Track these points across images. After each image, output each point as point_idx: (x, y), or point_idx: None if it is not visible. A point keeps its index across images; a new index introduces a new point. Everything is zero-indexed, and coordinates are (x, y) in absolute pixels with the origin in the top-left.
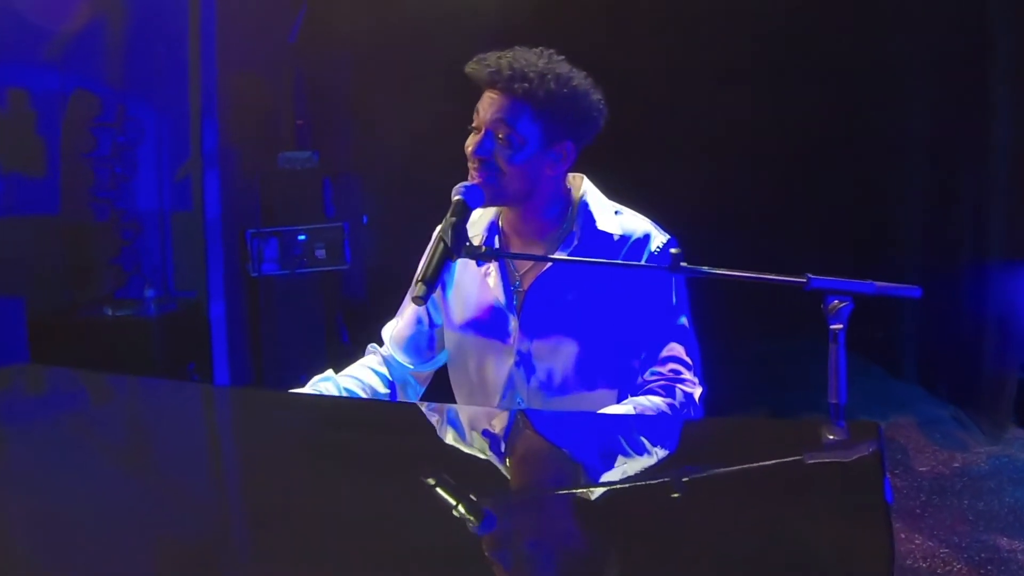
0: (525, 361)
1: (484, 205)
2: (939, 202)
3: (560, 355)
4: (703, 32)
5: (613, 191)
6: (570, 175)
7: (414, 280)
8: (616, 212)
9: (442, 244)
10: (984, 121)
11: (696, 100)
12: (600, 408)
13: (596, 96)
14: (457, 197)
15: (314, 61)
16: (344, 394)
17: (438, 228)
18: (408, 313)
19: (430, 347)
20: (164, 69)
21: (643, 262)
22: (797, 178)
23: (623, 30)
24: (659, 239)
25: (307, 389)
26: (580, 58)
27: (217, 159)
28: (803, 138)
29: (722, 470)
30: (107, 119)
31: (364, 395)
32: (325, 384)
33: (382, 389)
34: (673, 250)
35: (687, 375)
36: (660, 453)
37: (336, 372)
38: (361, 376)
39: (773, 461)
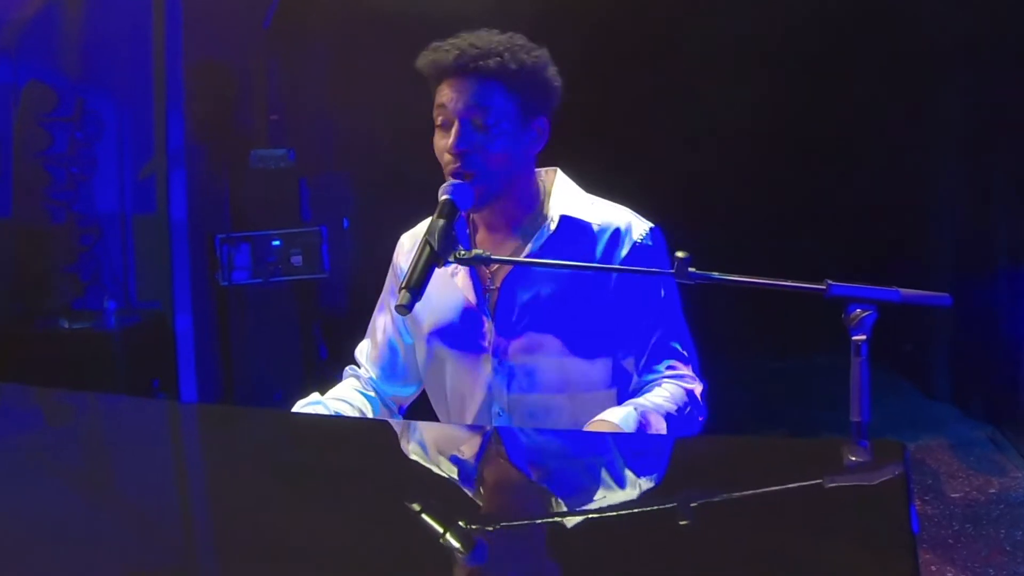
0: (504, 364)
1: (475, 206)
2: (973, 202)
3: (542, 356)
4: (717, 20)
5: (614, 191)
6: (543, 170)
7: (386, 297)
8: (592, 202)
9: (428, 248)
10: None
11: (705, 93)
12: (597, 412)
13: (553, 68)
14: (444, 197)
15: (290, 49)
16: None
17: (403, 237)
18: (379, 333)
19: (407, 369)
20: (126, 59)
21: (625, 253)
22: (817, 176)
23: (624, 16)
24: (641, 227)
25: None
26: (584, 42)
27: (183, 157)
28: (823, 132)
29: (732, 494)
30: (63, 113)
31: None
32: (315, 409)
33: (371, 414)
34: (680, 253)
35: (686, 370)
36: (666, 475)
37: (320, 393)
38: (352, 399)
39: (786, 485)
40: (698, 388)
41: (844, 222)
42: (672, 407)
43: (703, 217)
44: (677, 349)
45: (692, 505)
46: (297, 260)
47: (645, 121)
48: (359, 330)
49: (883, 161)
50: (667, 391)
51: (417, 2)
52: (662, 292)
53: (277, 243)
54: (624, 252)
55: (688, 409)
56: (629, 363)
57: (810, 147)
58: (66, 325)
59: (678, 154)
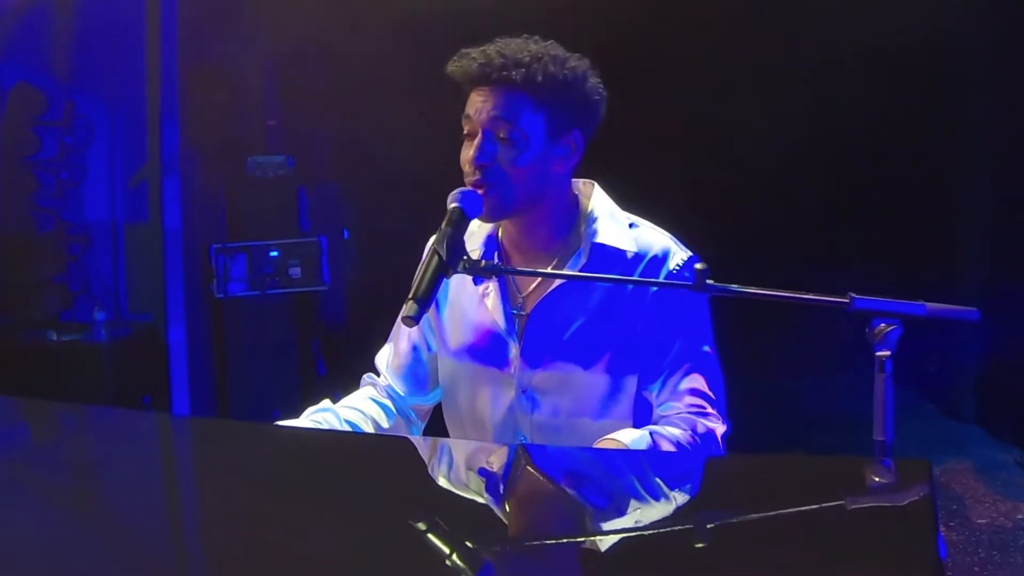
0: (527, 393)
1: (486, 218)
2: (1001, 212)
3: (567, 387)
4: (733, 25)
5: (627, 201)
6: (580, 182)
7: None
8: (631, 225)
9: (436, 258)
10: None
11: (724, 103)
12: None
13: (595, 79)
14: (453, 205)
15: (288, 53)
16: (346, 428)
17: (431, 240)
18: (403, 340)
19: (430, 377)
20: (118, 61)
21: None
22: (839, 185)
23: (643, 21)
24: (679, 256)
25: (303, 421)
26: (592, 48)
27: (177, 164)
28: (846, 140)
29: (752, 513)
30: (53, 117)
31: (367, 430)
32: (324, 416)
33: (385, 423)
34: (698, 265)
35: (710, 410)
36: (681, 495)
37: (332, 402)
38: (364, 408)
39: (808, 505)
40: (720, 429)
41: (869, 233)
42: (687, 439)
43: (723, 229)
44: (702, 389)
45: (711, 524)
46: (295, 272)
47: (663, 131)
48: (359, 345)
49: (912, 171)
50: (686, 424)
51: (420, 4)
52: (696, 324)
53: (275, 254)
54: (659, 280)
55: (705, 450)
56: (651, 395)
57: (834, 157)
58: (54, 337)
59: (697, 165)
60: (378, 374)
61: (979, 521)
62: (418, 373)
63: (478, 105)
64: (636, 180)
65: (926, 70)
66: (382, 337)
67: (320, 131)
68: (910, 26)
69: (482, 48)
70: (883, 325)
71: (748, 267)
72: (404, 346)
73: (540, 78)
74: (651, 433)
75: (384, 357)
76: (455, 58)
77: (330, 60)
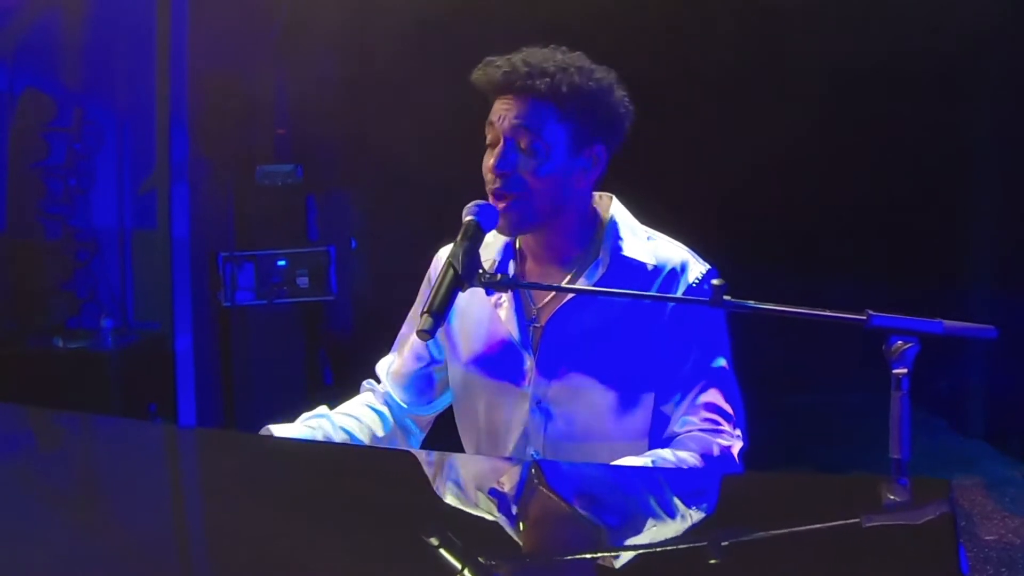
0: (542, 406)
1: (506, 231)
2: (1014, 227)
3: (583, 400)
4: (749, 38)
5: (642, 214)
6: (597, 194)
7: (419, 311)
8: (649, 238)
9: (451, 271)
10: None
11: (741, 117)
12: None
13: (621, 92)
14: (469, 218)
15: (299, 61)
16: (340, 434)
17: (440, 251)
18: (406, 349)
19: (432, 387)
20: (128, 68)
21: (678, 295)
22: (855, 201)
23: (664, 32)
24: (697, 269)
25: (297, 426)
26: (604, 58)
27: (186, 172)
28: (863, 155)
29: (767, 533)
30: (62, 123)
31: (362, 437)
32: (318, 422)
33: (380, 432)
34: (716, 281)
35: (725, 426)
36: (696, 513)
37: (330, 409)
38: (360, 415)
39: (825, 524)
40: (736, 446)
41: (884, 250)
42: (697, 463)
43: (738, 245)
44: (718, 404)
45: (727, 543)
46: (303, 281)
47: (678, 144)
48: (366, 355)
49: (928, 189)
50: (697, 445)
51: (430, 13)
52: (712, 338)
53: (282, 263)
54: (678, 294)
55: (719, 467)
56: (668, 408)
57: (851, 172)
58: (60, 344)
59: (714, 181)
60: (379, 381)
61: (987, 537)
62: (421, 383)
63: (501, 113)
64: (651, 193)
65: (942, 84)
66: (389, 348)
67: (329, 140)
68: (926, 40)
69: (507, 56)
70: (900, 343)
71: (762, 281)
72: (408, 355)
73: (565, 89)
74: (654, 461)
75: (385, 365)
76: (480, 66)
77: (340, 69)
